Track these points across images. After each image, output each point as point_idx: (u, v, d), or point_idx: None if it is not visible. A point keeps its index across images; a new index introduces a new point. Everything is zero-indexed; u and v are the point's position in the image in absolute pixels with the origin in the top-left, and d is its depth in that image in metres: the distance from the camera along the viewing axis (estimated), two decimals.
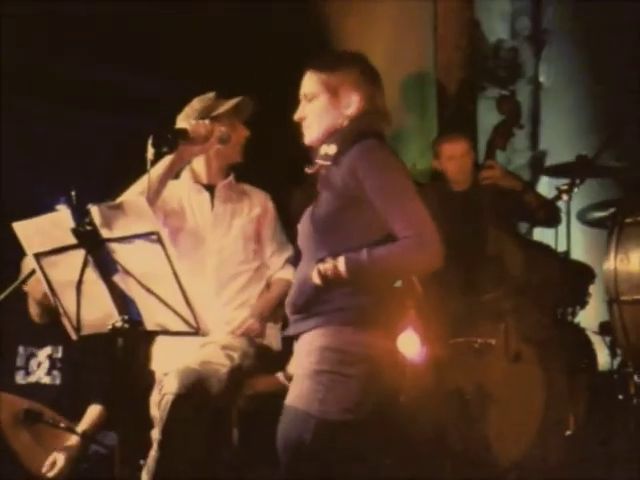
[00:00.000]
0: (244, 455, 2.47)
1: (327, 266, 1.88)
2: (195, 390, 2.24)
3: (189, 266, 2.52)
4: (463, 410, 3.11)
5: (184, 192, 2.64)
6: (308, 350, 1.92)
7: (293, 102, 2.11)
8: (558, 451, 3.03)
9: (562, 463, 3.02)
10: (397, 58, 4.67)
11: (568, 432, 2.98)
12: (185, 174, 2.67)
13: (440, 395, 3.09)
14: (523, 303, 3.22)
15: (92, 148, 3.55)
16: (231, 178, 2.69)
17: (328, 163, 1.99)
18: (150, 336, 2.40)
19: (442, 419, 3.08)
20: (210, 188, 2.65)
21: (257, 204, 2.70)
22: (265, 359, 2.53)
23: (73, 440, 2.66)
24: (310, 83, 2.05)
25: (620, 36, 4.36)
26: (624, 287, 2.70)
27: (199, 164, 2.64)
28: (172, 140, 2.28)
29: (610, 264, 2.75)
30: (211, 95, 2.57)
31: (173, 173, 2.45)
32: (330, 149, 1.99)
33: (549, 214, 3.41)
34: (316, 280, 1.90)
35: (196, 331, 1.91)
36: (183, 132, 2.33)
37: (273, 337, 2.61)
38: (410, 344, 2.96)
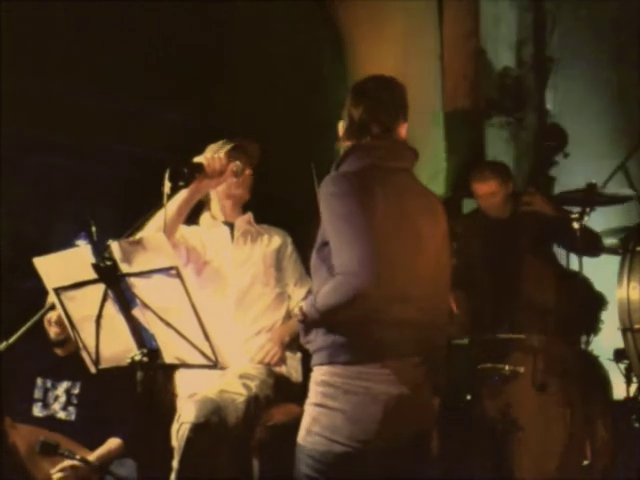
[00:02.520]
0: None
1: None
2: (212, 419, 2.25)
3: (212, 294, 2.58)
4: (489, 435, 3.11)
5: (204, 231, 2.72)
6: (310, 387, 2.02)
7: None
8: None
9: None
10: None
11: (585, 462, 2.97)
12: (204, 217, 2.75)
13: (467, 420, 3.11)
14: (551, 337, 3.23)
15: (111, 180, 3.58)
16: (250, 215, 2.77)
17: None
18: (170, 369, 2.41)
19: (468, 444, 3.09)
20: (229, 225, 2.73)
21: (277, 237, 2.76)
22: (284, 389, 2.54)
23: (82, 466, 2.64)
24: None
25: (626, 63, 4.41)
26: (637, 316, 2.72)
27: (215, 207, 2.73)
28: (188, 174, 2.33)
29: (623, 293, 2.76)
30: (220, 142, 2.65)
31: (189, 207, 2.50)
32: None
33: (590, 242, 3.37)
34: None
35: (214, 364, 1.92)
36: (199, 166, 2.39)
37: (293, 368, 2.62)
38: None
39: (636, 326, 2.72)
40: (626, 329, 2.75)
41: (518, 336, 3.15)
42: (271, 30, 4.04)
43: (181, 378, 2.58)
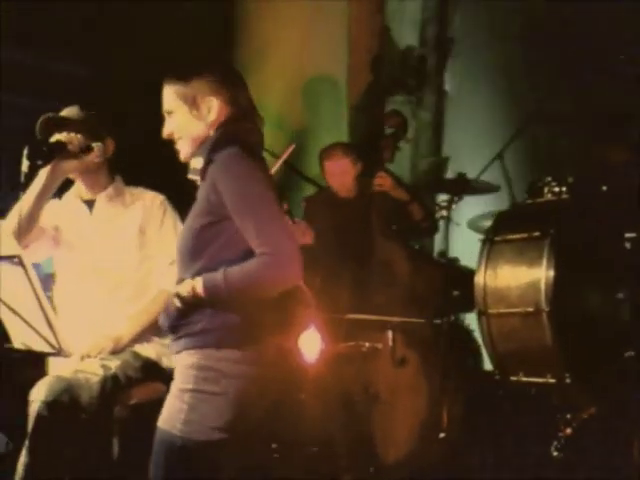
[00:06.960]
0: (125, 465, 2.47)
1: (186, 288, 1.87)
2: (62, 398, 2.27)
3: (69, 283, 2.55)
4: (351, 411, 3.26)
5: (65, 209, 2.63)
6: (177, 371, 1.93)
7: None
8: (436, 451, 3.20)
9: (443, 462, 3.18)
10: (310, 58, 4.76)
11: (442, 435, 3.15)
12: (67, 195, 2.65)
13: (330, 397, 3.23)
14: (409, 309, 3.39)
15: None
16: (111, 188, 2.61)
17: (197, 178, 1.95)
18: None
19: (331, 420, 3.22)
20: (89, 203, 2.62)
21: (140, 211, 2.60)
22: (152, 373, 2.52)
23: None
24: (167, 97, 1.97)
25: (523, 45, 4.53)
26: (491, 300, 2.89)
27: (77, 184, 2.62)
28: (47, 153, 2.26)
29: (480, 278, 2.93)
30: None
31: (52, 188, 2.41)
32: (197, 162, 1.94)
33: (432, 225, 3.59)
34: (177, 303, 1.88)
35: (58, 352, 1.96)
36: (59, 145, 2.32)
37: (164, 354, 2.56)
38: (311, 343, 3.11)
39: (489, 311, 2.89)
40: (481, 313, 2.92)
41: (375, 317, 3.30)
42: None
43: (53, 359, 2.55)
